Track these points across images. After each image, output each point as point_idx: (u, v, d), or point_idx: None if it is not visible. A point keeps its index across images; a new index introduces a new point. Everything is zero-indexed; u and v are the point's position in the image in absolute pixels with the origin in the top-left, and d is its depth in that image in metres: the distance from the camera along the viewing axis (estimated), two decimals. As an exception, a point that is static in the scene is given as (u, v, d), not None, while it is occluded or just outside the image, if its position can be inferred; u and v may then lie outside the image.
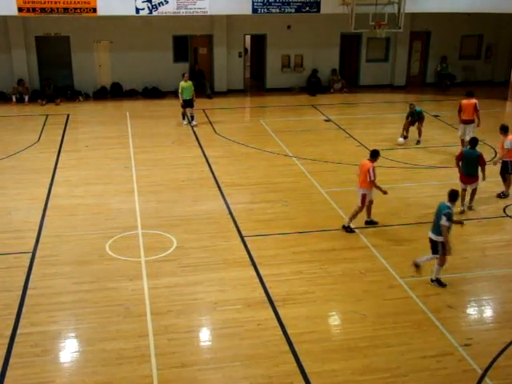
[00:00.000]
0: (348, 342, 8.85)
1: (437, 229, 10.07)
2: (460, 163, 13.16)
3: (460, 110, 16.68)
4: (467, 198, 13.28)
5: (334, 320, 9.71)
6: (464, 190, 13.10)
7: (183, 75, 19.75)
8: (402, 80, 25.77)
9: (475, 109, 16.45)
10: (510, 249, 11.70)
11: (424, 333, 9.05)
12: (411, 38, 25.30)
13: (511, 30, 26.14)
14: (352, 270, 10.80)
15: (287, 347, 8.68)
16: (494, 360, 8.42)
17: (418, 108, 18.00)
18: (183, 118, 20.08)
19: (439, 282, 10.30)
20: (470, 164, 12.95)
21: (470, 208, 13.33)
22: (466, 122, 16.58)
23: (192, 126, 19.67)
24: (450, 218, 9.88)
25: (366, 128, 19.62)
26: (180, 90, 19.50)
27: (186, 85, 19.49)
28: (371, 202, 12.38)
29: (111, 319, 9.31)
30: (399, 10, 20.98)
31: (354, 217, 12.22)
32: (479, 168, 12.96)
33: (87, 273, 10.64)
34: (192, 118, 19.96)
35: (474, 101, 16.50)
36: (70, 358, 8.54)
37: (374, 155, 12.15)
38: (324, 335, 9.03)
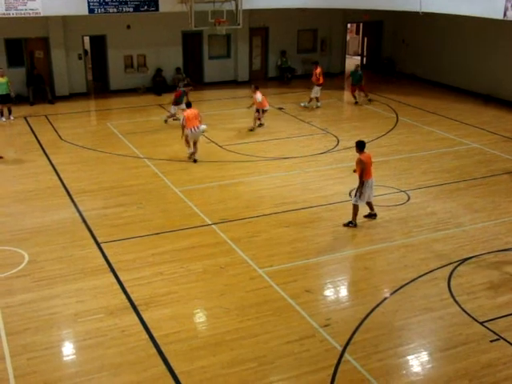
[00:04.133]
0: (214, 337, 8.95)
1: None
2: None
3: (315, 75, 21.59)
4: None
5: (199, 317, 9.76)
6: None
7: None
8: (245, 75, 26.35)
9: (321, 74, 21.75)
10: (356, 230, 12.39)
11: (286, 319, 9.37)
12: (251, 33, 25.94)
13: (341, 24, 27.72)
14: (212, 266, 10.92)
15: (154, 350, 8.60)
16: (352, 336, 8.93)
17: (358, 72, 22.51)
18: (1, 115, 20.05)
19: None
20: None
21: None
22: (320, 85, 21.68)
23: (10, 121, 20.18)
24: None
25: (214, 124, 19.81)
26: None
27: (1, 80, 19.65)
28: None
29: (-38, 346, 8.68)
30: (237, 7, 21.47)
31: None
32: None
33: None
34: (10, 112, 20.26)
35: (319, 69, 21.73)
36: None
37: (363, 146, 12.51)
38: (190, 333, 9.05)
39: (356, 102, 22.65)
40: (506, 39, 22.19)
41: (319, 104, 22.10)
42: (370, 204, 12.72)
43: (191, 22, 20.93)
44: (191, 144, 16.32)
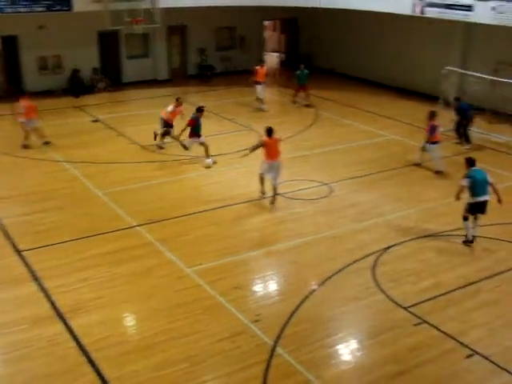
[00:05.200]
0: (145, 339, 8.83)
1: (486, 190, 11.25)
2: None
3: (255, 74, 21.42)
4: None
5: (128, 321, 9.61)
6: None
7: None
8: (165, 74, 26.12)
9: (266, 74, 21.90)
10: (283, 224, 12.57)
11: (216, 317, 9.36)
12: (169, 32, 25.72)
13: (257, 21, 27.91)
14: (139, 268, 10.77)
15: (84, 358, 8.40)
16: (282, 330, 9.02)
17: (305, 71, 21.86)
18: None
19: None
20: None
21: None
22: (259, 83, 21.41)
23: None
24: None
25: (136, 125, 19.53)
26: None
27: None
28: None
29: None
30: (153, 5, 21.23)
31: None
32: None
33: None
34: None
35: (265, 68, 22.04)
36: None
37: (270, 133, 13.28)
38: (120, 338, 8.89)
39: (295, 102, 22.20)
40: (416, 34, 22.90)
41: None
42: (274, 188, 13.29)
43: (107, 21, 20.54)
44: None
